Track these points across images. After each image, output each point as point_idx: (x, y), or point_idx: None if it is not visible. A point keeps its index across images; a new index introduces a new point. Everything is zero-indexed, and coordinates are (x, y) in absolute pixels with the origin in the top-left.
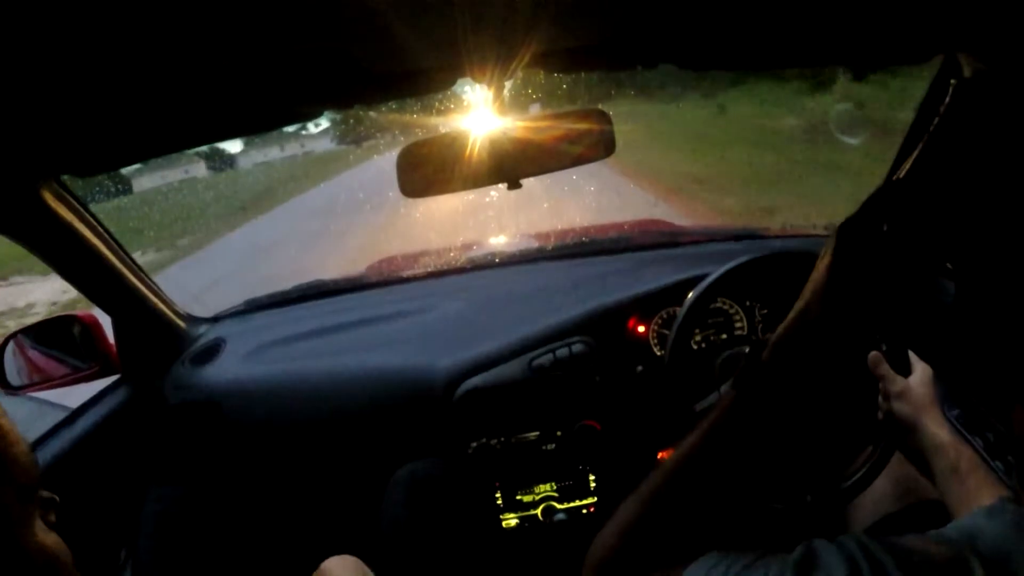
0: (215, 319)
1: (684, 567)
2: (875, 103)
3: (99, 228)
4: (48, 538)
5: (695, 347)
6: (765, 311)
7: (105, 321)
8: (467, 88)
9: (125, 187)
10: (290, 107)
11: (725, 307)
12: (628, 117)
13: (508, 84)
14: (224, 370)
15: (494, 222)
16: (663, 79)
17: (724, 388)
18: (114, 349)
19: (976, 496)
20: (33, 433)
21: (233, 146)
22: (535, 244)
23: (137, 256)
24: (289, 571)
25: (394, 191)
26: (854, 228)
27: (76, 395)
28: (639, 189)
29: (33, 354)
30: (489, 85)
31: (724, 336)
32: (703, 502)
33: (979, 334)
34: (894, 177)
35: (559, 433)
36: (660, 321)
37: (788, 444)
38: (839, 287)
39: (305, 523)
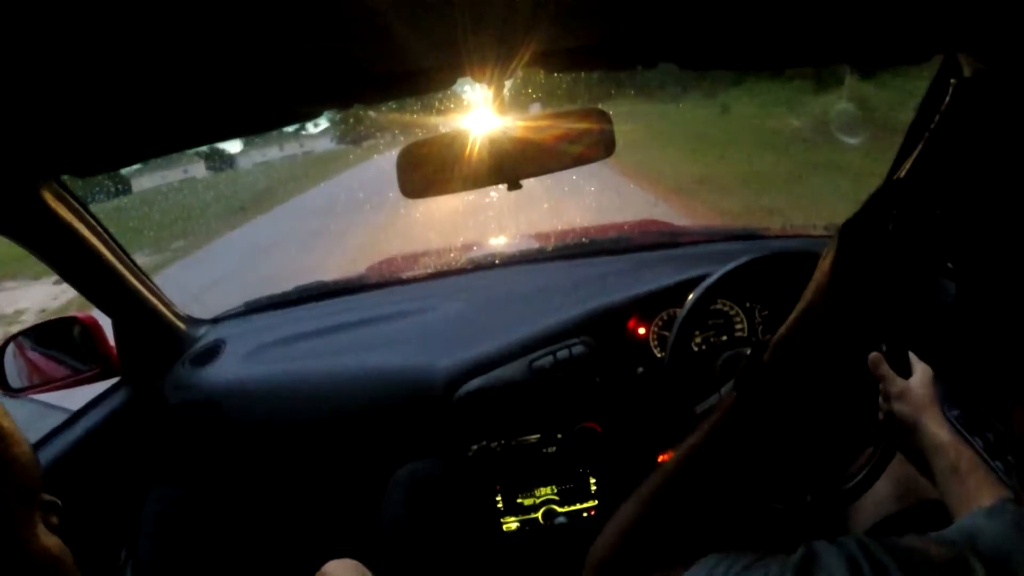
0: (215, 321)
1: (684, 568)
2: (880, 102)
3: (99, 228)
4: (50, 541)
5: (695, 348)
6: (765, 312)
7: (105, 323)
8: (467, 88)
9: (124, 187)
10: (290, 107)
11: (725, 308)
12: (628, 117)
13: (508, 84)
14: (224, 371)
15: (494, 222)
16: (663, 79)
17: (724, 390)
18: (114, 351)
19: (976, 496)
20: (34, 435)
21: (233, 146)
22: (535, 244)
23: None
24: (289, 571)
25: (394, 191)
26: (857, 228)
27: (76, 397)
28: (639, 189)
29: (33, 356)
30: (489, 85)
31: (724, 337)
32: (703, 503)
33: (979, 334)
34: (895, 177)
35: (559, 435)
36: (660, 322)
37: (789, 445)
38: (842, 288)
39: (305, 523)
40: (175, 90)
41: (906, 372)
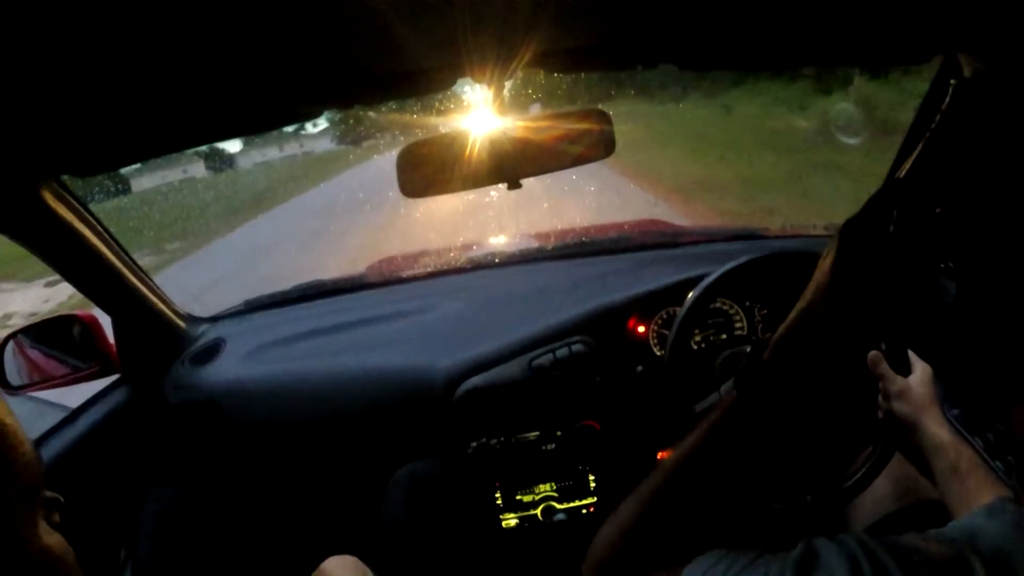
0: (215, 319)
1: (683, 566)
2: (888, 102)
3: (99, 228)
4: (52, 539)
5: (695, 347)
6: (765, 311)
7: (105, 321)
8: (467, 88)
9: (124, 187)
10: (290, 107)
11: (725, 307)
12: (628, 117)
13: (508, 84)
14: (224, 370)
15: (494, 222)
16: (664, 79)
17: (724, 388)
18: (114, 349)
19: (976, 496)
20: (33, 433)
21: (232, 146)
22: (535, 244)
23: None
24: (289, 571)
25: (394, 191)
26: (857, 228)
27: (76, 395)
28: (639, 189)
29: (33, 354)
30: (489, 85)
31: (724, 336)
32: (703, 502)
33: (979, 334)
34: (895, 176)
35: (559, 433)
36: (660, 321)
37: (788, 444)
38: (843, 287)
39: (305, 523)
40: (175, 90)
41: (906, 371)
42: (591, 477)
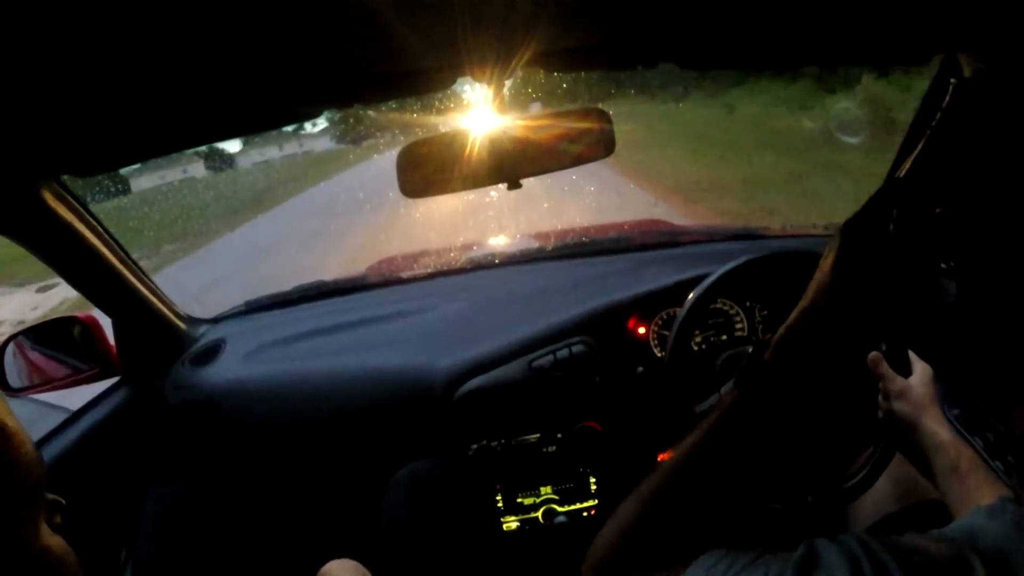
0: (215, 320)
1: (684, 567)
2: (897, 101)
3: (99, 228)
4: (53, 540)
5: (695, 348)
6: (765, 312)
7: (105, 322)
8: (467, 88)
9: (123, 187)
10: (290, 107)
11: (725, 308)
12: (628, 117)
13: (508, 83)
14: (224, 370)
15: (494, 222)
16: (664, 78)
17: (725, 389)
18: (114, 350)
19: (976, 495)
20: (34, 435)
21: (232, 146)
22: (535, 244)
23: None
24: (289, 572)
25: (394, 191)
26: (858, 228)
27: (76, 396)
28: (639, 189)
29: (33, 356)
30: (489, 84)
31: (724, 337)
32: (704, 502)
33: (979, 334)
34: (895, 176)
35: (559, 435)
36: (660, 322)
37: (789, 444)
38: (843, 287)
39: (305, 523)
40: (175, 90)
41: (906, 371)
42: (592, 479)
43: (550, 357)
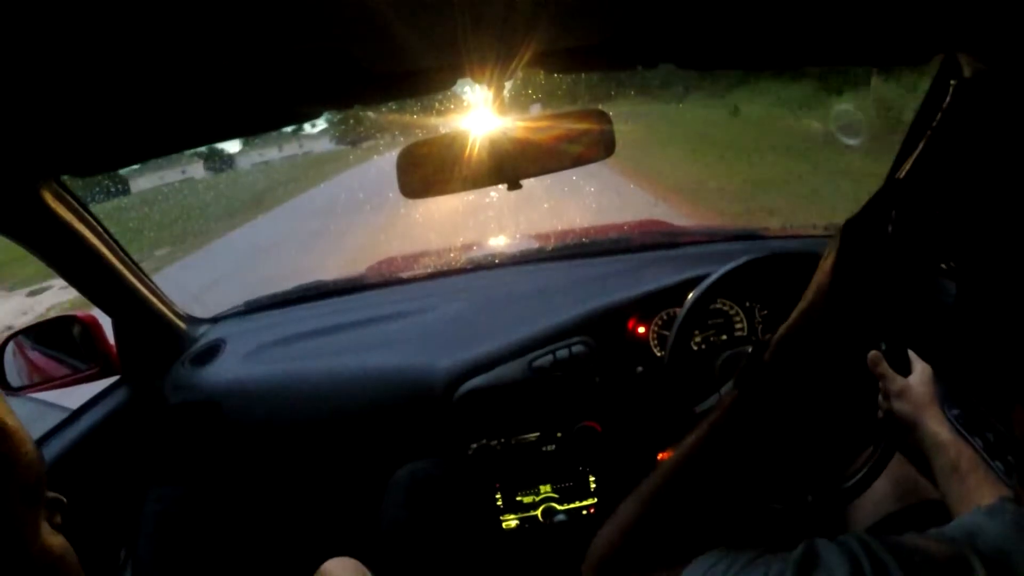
0: (215, 320)
1: (684, 566)
2: (909, 103)
3: (99, 228)
4: (54, 540)
5: (695, 348)
6: (765, 312)
7: (105, 322)
8: (467, 88)
9: (123, 188)
10: (290, 107)
11: (725, 308)
12: (628, 118)
13: (508, 84)
14: (224, 370)
15: (494, 223)
16: (665, 78)
17: (724, 389)
18: (114, 350)
19: (976, 495)
20: (33, 434)
21: (231, 146)
22: (535, 245)
23: None
24: (289, 572)
25: (394, 191)
26: (858, 228)
27: (76, 396)
28: (639, 189)
29: (33, 355)
30: (489, 85)
31: (724, 337)
32: (703, 502)
33: (979, 334)
34: (895, 176)
35: (559, 434)
36: (660, 322)
37: (789, 444)
38: (844, 287)
39: (305, 523)
40: (175, 90)
41: (906, 371)
42: (591, 478)
43: (550, 357)
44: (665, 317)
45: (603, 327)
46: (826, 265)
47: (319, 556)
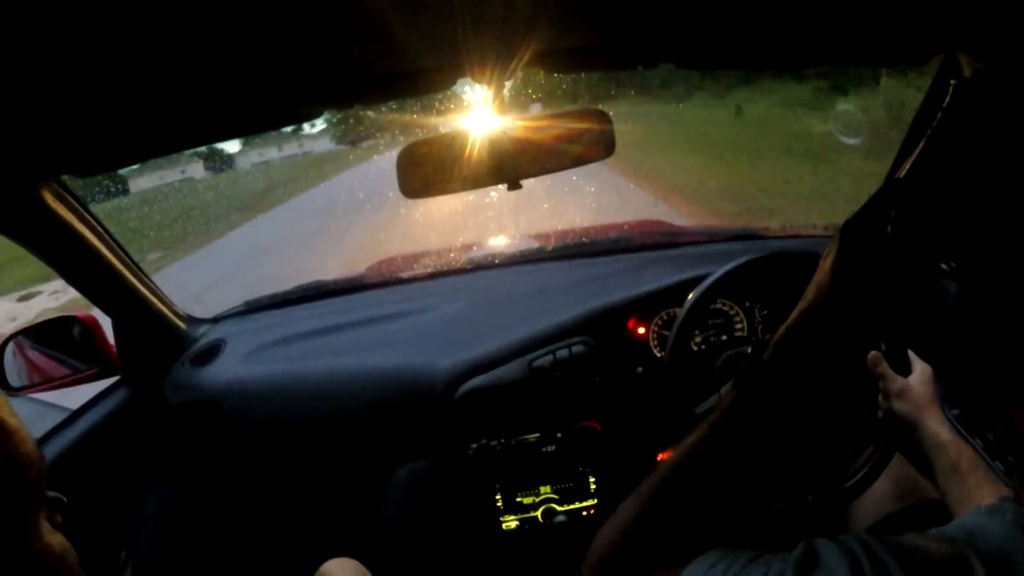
0: (215, 320)
1: (684, 566)
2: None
3: (99, 228)
4: (54, 538)
5: (695, 348)
6: (765, 312)
7: (105, 322)
8: (467, 88)
9: (123, 188)
10: (290, 107)
11: (725, 308)
12: (628, 118)
13: (508, 84)
14: (224, 370)
15: (494, 222)
16: (665, 78)
17: (724, 389)
18: (114, 350)
19: (976, 495)
20: (34, 434)
21: (231, 146)
22: (535, 245)
23: None
24: (289, 572)
25: (394, 191)
26: (857, 227)
27: (76, 396)
28: (639, 189)
29: (33, 355)
30: (489, 85)
31: (724, 337)
32: (703, 502)
33: (979, 334)
34: (895, 176)
35: (559, 434)
36: (660, 322)
37: (789, 444)
38: (843, 286)
39: (305, 523)
40: (175, 90)
41: (906, 371)
42: (591, 479)
43: (550, 357)
44: (665, 317)
45: (603, 327)
46: (825, 265)
47: (319, 556)
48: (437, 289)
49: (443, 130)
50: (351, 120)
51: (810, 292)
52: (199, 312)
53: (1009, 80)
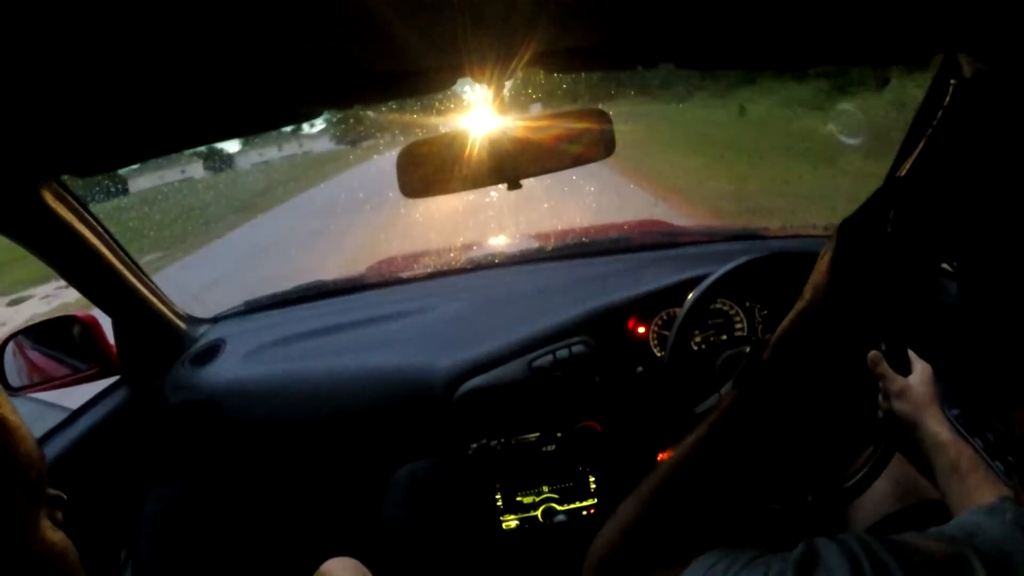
0: (215, 320)
1: (684, 566)
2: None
3: (99, 228)
4: (55, 537)
5: (695, 348)
6: (765, 312)
7: (105, 322)
8: (467, 88)
9: (123, 188)
10: (290, 107)
11: (725, 308)
12: (628, 117)
13: (508, 84)
14: (224, 370)
15: (494, 222)
16: (666, 78)
17: (724, 389)
18: (114, 350)
19: (976, 494)
20: (33, 434)
21: (231, 146)
22: (535, 244)
23: None
24: (289, 572)
25: (394, 191)
26: (856, 227)
27: (76, 396)
28: (639, 189)
29: (33, 355)
30: (489, 85)
31: (724, 337)
32: (703, 502)
33: (979, 334)
34: (895, 176)
35: (559, 434)
36: (660, 322)
37: (788, 444)
38: (841, 286)
39: (305, 523)
40: (175, 90)
41: (905, 370)
42: (591, 478)
43: (550, 357)
44: (665, 317)
45: (603, 327)
46: (822, 264)
47: (319, 556)
48: (437, 289)
49: (443, 130)
50: (351, 120)
51: (807, 292)
52: (199, 312)
53: (1009, 80)
